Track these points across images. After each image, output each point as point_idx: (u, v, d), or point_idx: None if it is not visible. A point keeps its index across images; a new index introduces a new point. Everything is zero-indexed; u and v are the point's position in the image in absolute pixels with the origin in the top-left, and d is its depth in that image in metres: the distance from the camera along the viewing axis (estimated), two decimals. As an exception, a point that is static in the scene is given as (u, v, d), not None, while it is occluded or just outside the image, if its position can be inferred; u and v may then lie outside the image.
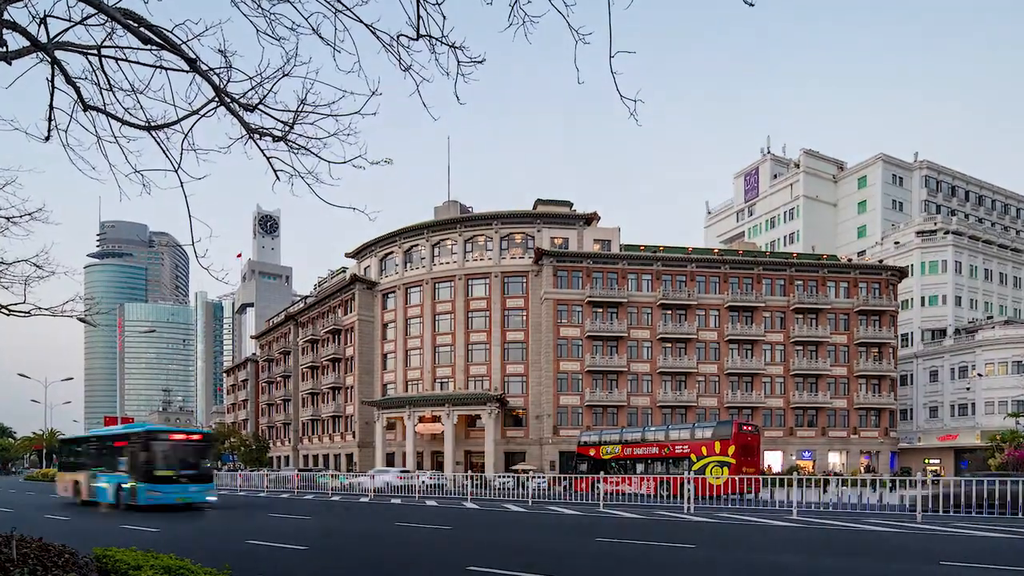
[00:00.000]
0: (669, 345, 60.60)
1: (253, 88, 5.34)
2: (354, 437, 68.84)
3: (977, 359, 64.16)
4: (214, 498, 26.49)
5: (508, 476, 40.27)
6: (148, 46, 4.95)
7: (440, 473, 49.88)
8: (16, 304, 10.82)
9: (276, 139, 5.59)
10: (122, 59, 5.20)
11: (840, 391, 62.49)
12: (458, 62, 5.23)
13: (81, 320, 12.21)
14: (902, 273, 65.90)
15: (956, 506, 22.97)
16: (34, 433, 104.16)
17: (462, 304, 63.13)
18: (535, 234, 62.18)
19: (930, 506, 21.96)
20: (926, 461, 65.18)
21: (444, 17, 5.03)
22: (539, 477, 38.51)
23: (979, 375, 63.54)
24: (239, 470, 61.12)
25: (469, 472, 45.67)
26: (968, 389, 64.48)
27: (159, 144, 5.49)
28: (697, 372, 60.61)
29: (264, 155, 5.72)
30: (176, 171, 5.53)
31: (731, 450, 35.91)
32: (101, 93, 5.38)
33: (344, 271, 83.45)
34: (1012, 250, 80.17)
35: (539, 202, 65.18)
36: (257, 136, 5.57)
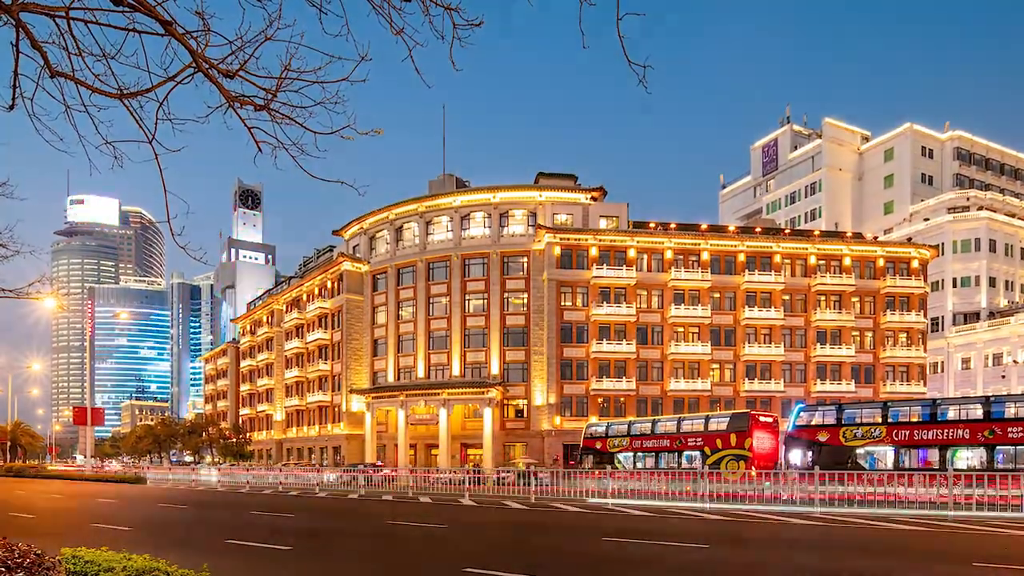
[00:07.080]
0: (681, 330, 60.71)
1: (233, 53, 5.30)
2: (342, 429, 69.17)
3: (1013, 345, 64.34)
4: None
5: (509, 470, 40.55)
6: (120, 8, 4.91)
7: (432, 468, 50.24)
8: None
9: (258, 108, 5.56)
10: (92, 22, 5.16)
11: (865, 379, 62.69)
12: (454, 25, 5.19)
13: (48, 301, 12.24)
14: (932, 252, 65.87)
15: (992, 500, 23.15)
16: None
17: (458, 286, 63.09)
18: (537, 210, 61.96)
19: (962, 500, 22.12)
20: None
21: (439, -23, 4.99)
22: (540, 472, 38.73)
23: (1015, 362, 63.77)
24: (219, 464, 61.68)
25: (466, 466, 46.04)
26: (1003, 377, 64.73)
27: (132, 113, 5.46)
28: (711, 359, 60.77)
29: (245, 125, 5.69)
30: (150, 142, 5.51)
31: (748, 443, 36.18)
32: (70, 58, 5.34)
33: (331, 250, 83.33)
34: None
35: (541, 175, 64.77)
36: (237, 104, 5.54)
